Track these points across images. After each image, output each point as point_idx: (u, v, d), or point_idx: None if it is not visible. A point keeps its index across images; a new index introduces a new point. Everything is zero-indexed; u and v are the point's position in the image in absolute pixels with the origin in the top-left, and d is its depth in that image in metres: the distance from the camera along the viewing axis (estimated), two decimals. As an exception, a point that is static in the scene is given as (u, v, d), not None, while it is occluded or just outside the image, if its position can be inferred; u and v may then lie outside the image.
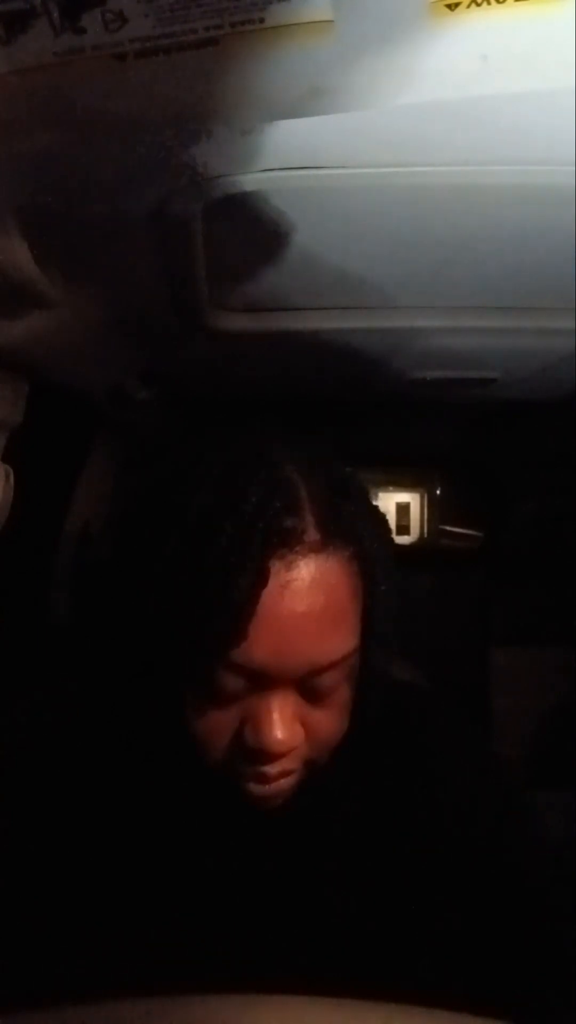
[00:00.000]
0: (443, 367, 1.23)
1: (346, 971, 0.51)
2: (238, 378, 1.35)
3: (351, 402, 1.62)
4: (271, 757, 0.47)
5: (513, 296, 0.91)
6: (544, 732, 2.21)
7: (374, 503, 0.55)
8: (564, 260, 0.76)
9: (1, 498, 0.96)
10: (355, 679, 0.52)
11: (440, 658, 2.13)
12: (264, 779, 0.48)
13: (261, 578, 0.44)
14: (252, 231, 0.70)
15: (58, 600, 1.66)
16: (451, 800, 0.58)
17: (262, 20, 0.39)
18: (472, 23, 0.39)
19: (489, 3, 0.39)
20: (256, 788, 0.49)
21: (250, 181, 0.57)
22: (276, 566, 0.45)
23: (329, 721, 0.50)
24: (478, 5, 0.39)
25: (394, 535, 0.58)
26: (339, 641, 0.48)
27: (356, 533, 0.49)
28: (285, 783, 0.49)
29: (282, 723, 0.47)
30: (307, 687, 0.48)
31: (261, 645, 0.45)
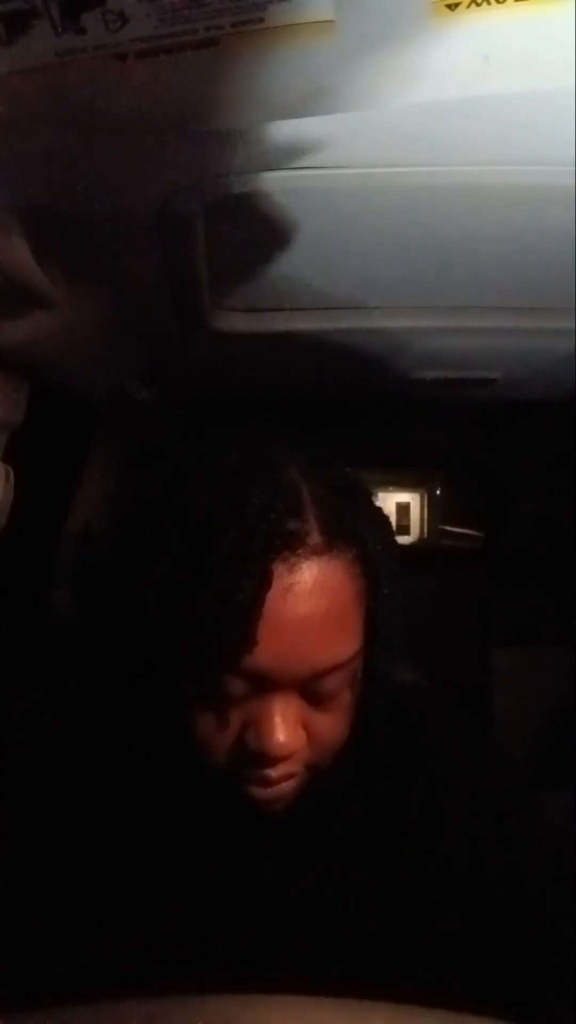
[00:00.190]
0: (444, 367, 1.23)
1: (348, 972, 0.51)
2: (238, 378, 1.35)
3: (351, 402, 1.62)
4: (273, 760, 0.47)
5: (513, 296, 0.91)
6: (544, 732, 2.21)
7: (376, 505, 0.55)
8: (564, 260, 0.76)
9: (1, 498, 0.96)
10: (359, 683, 0.52)
11: (440, 658, 2.13)
12: (266, 782, 0.48)
13: (264, 581, 0.44)
14: (253, 231, 0.70)
15: (58, 600, 1.66)
16: (452, 800, 0.58)
17: (263, 20, 0.39)
18: (472, 23, 0.39)
19: (489, 3, 0.39)
20: (258, 791, 0.49)
21: (251, 181, 0.57)
22: (279, 569, 0.45)
23: (332, 725, 0.50)
24: (478, 5, 0.39)
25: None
26: (342, 645, 0.48)
27: (359, 535, 0.49)
28: (287, 787, 0.49)
29: (284, 726, 0.47)
30: (310, 690, 0.48)
31: (264, 648, 0.45)
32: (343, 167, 0.56)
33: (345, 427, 1.92)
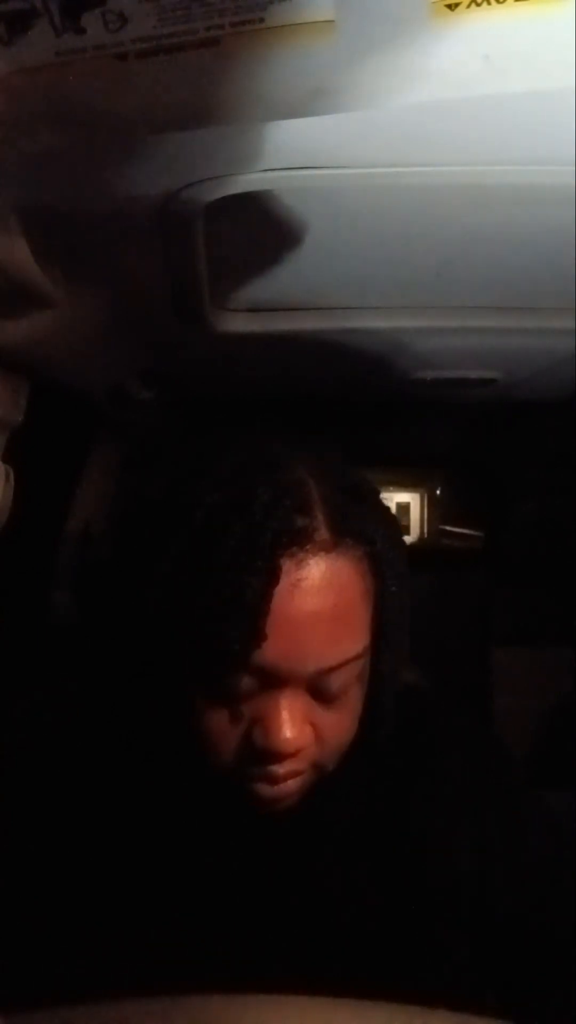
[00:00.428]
0: (444, 367, 1.23)
1: (349, 971, 0.51)
2: (239, 378, 1.35)
3: (352, 402, 1.62)
4: (280, 756, 0.47)
5: (513, 296, 0.91)
6: (544, 732, 2.21)
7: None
8: (564, 260, 0.76)
9: (1, 498, 0.96)
10: (365, 683, 0.52)
11: (440, 658, 2.13)
12: (272, 779, 0.48)
13: (272, 576, 0.44)
14: (253, 231, 0.70)
15: (58, 600, 1.66)
16: (453, 799, 0.58)
17: (263, 20, 0.39)
18: (472, 23, 0.39)
19: (489, 3, 0.39)
20: (264, 789, 0.49)
21: (251, 181, 0.57)
22: (287, 564, 0.45)
23: (339, 724, 0.50)
24: (478, 5, 0.39)
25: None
26: (349, 641, 0.48)
27: (367, 533, 0.49)
28: (293, 784, 0.49)
29: (291, 722, 0.47)
30: (317, 688, 0.48)
31: (272, 644, 0.45)
32: (343, 167, 0.56)
33: (345, 427, 1.92)
